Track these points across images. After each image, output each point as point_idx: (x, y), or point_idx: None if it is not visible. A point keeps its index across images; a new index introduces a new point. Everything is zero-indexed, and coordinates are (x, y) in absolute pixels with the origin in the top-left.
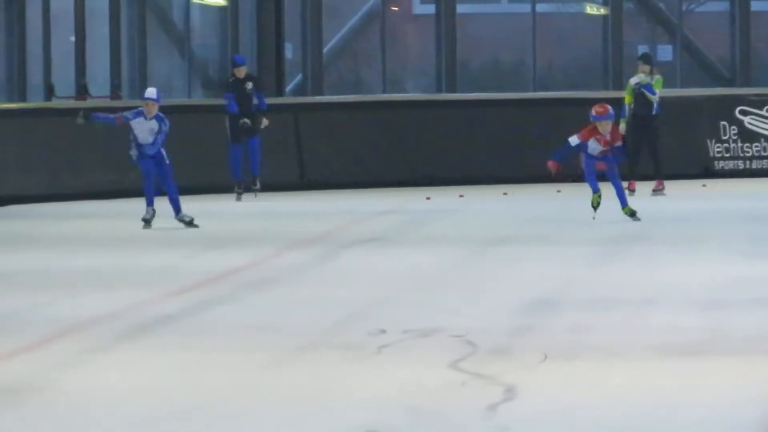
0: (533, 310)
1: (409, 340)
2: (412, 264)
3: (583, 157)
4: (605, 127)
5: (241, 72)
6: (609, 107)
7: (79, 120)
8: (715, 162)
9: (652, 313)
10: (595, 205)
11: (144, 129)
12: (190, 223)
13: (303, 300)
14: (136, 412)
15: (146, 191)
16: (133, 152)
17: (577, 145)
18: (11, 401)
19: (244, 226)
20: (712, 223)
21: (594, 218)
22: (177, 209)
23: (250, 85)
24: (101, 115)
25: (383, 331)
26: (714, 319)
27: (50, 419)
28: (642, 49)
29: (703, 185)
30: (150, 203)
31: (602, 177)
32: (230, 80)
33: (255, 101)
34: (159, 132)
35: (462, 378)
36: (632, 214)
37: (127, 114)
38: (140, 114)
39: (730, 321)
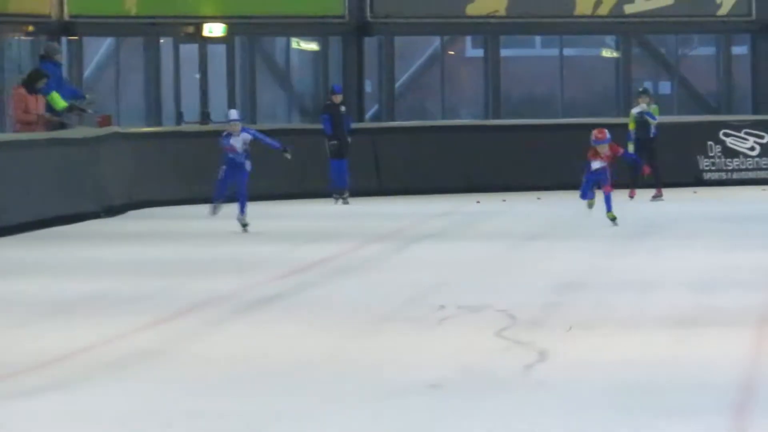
0: (561, 291)
1: (462, 314)
2: (466, 254)
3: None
4: (603, 149)
5: (338, 98)
6: (606, 132)
7: (214, 211)
8: (704, 173)
9: (655, 293)
10: (590, 207)
11: (239, 143)
12: (244, 226)
13: (379, 283)
14: (246, 372)
15: (219, 188)
16: (223, 167)
17: (590, 167)
18: (147, 364)
19: (334, 224)
20: (702, 222)
21: (588, 215)
22: (242, 210)
23: (343, 108)
24: (221, 180)
25: (442, 307)
26: (704, 298)
27: (178, 378)
28: (646, 84)
29: (694, 192)
30: (216, 198)
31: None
32: (327, 103)
33: (346, 122)
34: (249, 139)
35: (505, 344)
36: (613, 219)
37: (223, 142)
38: (229, 135)
39: (716, 300)
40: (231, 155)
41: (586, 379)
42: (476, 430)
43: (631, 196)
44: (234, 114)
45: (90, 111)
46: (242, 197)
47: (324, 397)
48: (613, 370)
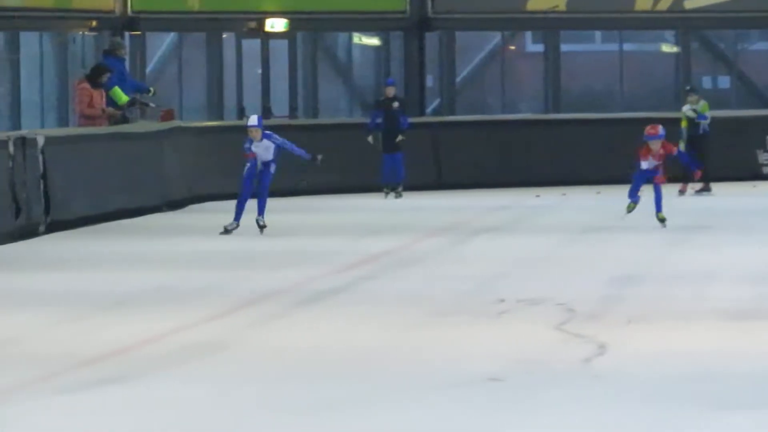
0: (619, 284)
1: (522, 308)
2: (525, 248)
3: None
4: (655, 145)
5: (390, 91)
6: (660, 128)
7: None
8: (763, 168)
9: (712, 285)
10: (629, 211)
11: (261, 149)
12: (262, 228)
13: (439, 275)
14: (307, 364)
15: (238, 205)
16: (246, 170)
17: (639, 166)
18: (208, 356)
19: (393, 218)
20: (760, 216)
21: (623, 218)
22: (261, 212)
23: (396, 104)
24: (246, 179)
25: (502, 300)
26: (763, 290)
27: (238, 370)
28: (704, 80)
29: (753, 186)
30: (237, 217)
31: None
32: (380, 99)
33: (401, 118)
34: (274, 147)
35: (564, 337)
36: (662, 220)
37: (244, 147)
38: (251, 141)
39: None
40: (256, 161)
41: (645, 372)
42: (534, 424)
43: (682, 191)
44: (253, 120)
45: (152, 105)
46: (262, 199)
47: (382, 389)
48: (672, 362)
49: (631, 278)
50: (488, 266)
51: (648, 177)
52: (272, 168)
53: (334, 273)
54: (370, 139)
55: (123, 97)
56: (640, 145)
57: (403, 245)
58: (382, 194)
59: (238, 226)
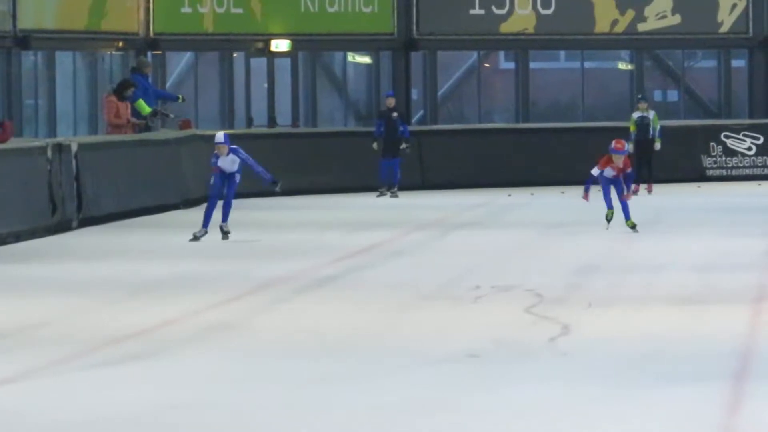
0: (582, 272)
1: (495, 293)
2: (498, 240)
3: (600, 181)
4: (618, 160)
5: (390, 102)
6: (625, 143)
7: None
8: (707, 171)
9: (664, 274)
10: (609, 219)
11: (227, 163)
12: (225, 234)
13: (423, 265)
14: (306, 342)
15: (207, 211)
16: (213, 181)
17: (600, 173)
18: (220, 336)
19: (383, 214)
20: (706, 212)
21: (607, 228)
22: (225, 218)
23: (395, 114)
24: (213, 186)
25: (478, 287)
26: (707, 278)
27: (246, 348)
28: (655, 93)
29: (698, 186)
30: (206, 224)
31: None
32: (382, 109)
33: (400, 129)
34: (238, 161)
35: (532, 319)
36: (633, 226)
37: (211, 161)
38: (217, 156)
39: (718, 280)
40: (222, 172)
41: (604, 350)
42: (507, 395)
43: (649, 192)
44: (219, 137)
45: (172, 116)
46: (227, 206)
47: (374, 364)
48: (627, 342)
49: (592, 268)
50: (466, 257)
51: (613, 184)
52: (237, 178)
53: (332, 263)
54: (374, 145)
55: (146, 109)
56: (603, 155)
57: (393, 238)
58: (375, 193)
59: (206, 232)
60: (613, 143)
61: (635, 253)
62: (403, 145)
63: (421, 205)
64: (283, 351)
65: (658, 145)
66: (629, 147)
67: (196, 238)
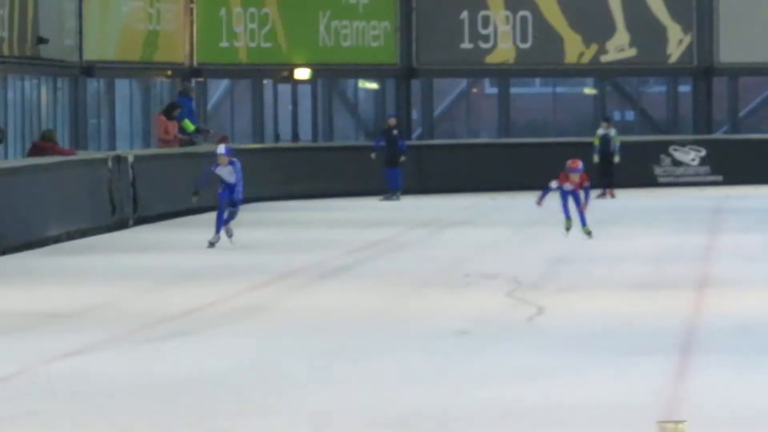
0: (554, 263)
1: (481, 280)
2: (484, 236)
3: (559, 193)
4: (574, 178)
5: (392, 122)
6: (580, 163)
7: (194, 199)
8: (658, 178)
9: (622, 264)
10: (567, 228)
11: (225, 173)
12: (230, 237)
13: (421, 257)
14: (322, 322)
15: (218, 220)
16: (204, 175)
17: (559, 187)
18: (252, 316)
19: (387, 214)
20: (657, 213)
21: (566, 236)
22: (229, 218)
23: (396, 131)
24: (203, 179)
25: (467, 275)
26: (658, 268)
27: (273, 326)
28: (615, 114)
29: (651, 191)
30: (218, 231)
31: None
32: (385, 127)
33: (399, 143)
34: (235, 172)
35: (513, 302)
36: (588, 233)
37: (211, 167)
38: (217, 165)
39: (667, 269)
40: (226, 181)
41: (572, 328)
42: (492, 365)
43: (611, 196)
44: (221, 149)
45: (212, 132)
46: (232, 215)
47: (378, 340)
48: (592, 320)
49: (562, 259)
50: (457, 250)
51: (571, 195)
52: (240, 187)
53: (344, 255)
54: (372, 155)
55: (191, 126)
56: (561, 171)
57: (395, 235)
58: (381, 197)
59: (219, 238)
60: (569, 162)
61: (599, 246)
62: (402, 158)
63: (420, 206)
64: (303, 329)
65: (617, 159)
66: (594, 158)
67: (211, 244)
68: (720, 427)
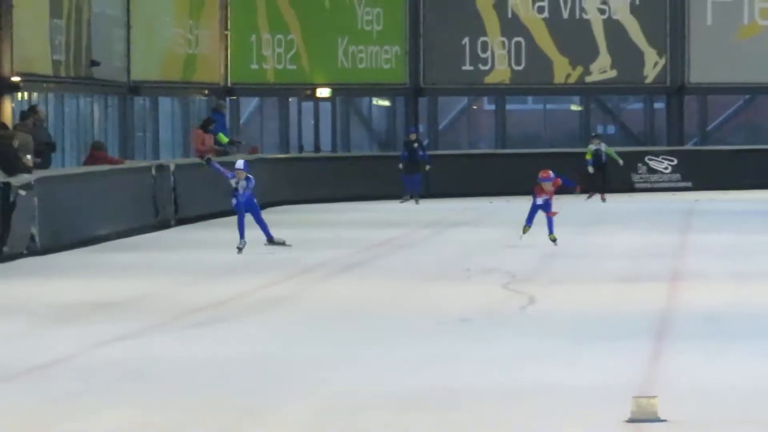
0: (545, 258)
1: (481, 274)
2: (483, 235)
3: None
4: (547, 186)
5: (412, 136)
6: (550, 172)
7: (204, 162)
8: (635, 184)
9: (605, 259)
10: (524, 232)
11: (240, 185)
12: (282, 244)
13: (427, 253)
14: (340, 311)
15: (240, 227)
16: (233, 201)
17: (535, 200)
18: (279, 305)
19: (397, 216)
20: (635, 214)
21: (521, 238)
22: (268, 236)
23: (416, 144)
24: (220, 168)
25: (469, 269)
26: (636, 263)
27: (298, 315)
28: (598, 128)
29: (630, 196)
30: (242, 236)
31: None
32: (406, 140)
33: (420, 154)
34: (248, 187)
35: (509, 293)
36: (554, 240)
37: (229, 175)
38: (233, 175)
39: (644, 264)
40: (237, 192)
41: (561, 316)
42: (490, 349)
43: (603, 200)
44: (240, 164)
45: (243, 143)
46: (263, 225)
47: (391, 327)
48: (578, 309)
49: (553, 255)
50: (460, 247)
51: (541, 207)
52: (253, 200)
53: (359, 252)
54: (400, 166)
55: (224, 139)
56: (536, 184)
57: (404, 234)
58: (398, 201)
59: (246, 243)
60: (540, 173)
61: (585, 244)
62: (427, 167)
63: (426, 209)
64: (324, 317)
65: (621, 162)
66: (590, 169)
67: (239, 250)
68: (688, 402)
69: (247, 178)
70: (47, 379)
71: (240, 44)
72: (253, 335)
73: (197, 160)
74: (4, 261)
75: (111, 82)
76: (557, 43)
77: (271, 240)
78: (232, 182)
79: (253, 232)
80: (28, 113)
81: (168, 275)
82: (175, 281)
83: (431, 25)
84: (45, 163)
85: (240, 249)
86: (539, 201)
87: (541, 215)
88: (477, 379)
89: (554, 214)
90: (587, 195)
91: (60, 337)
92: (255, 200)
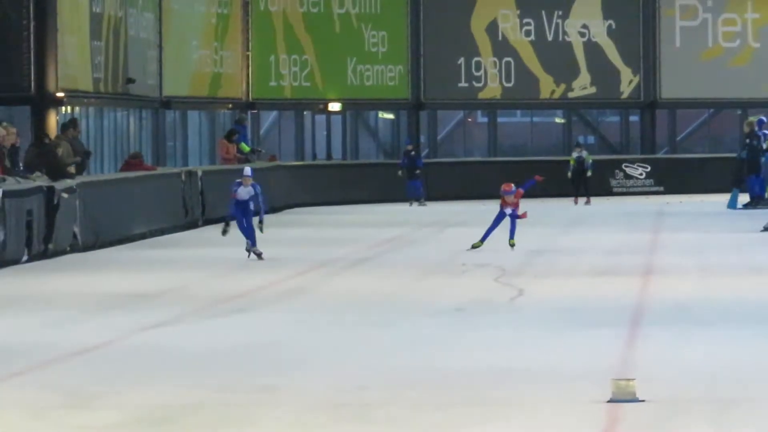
0: (531, 255)
1: (475, 269)
2: (478, 234)
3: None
4: (510, 198)
5: (409, 147)
6: (512, 185)
7: (224, 233)
8: (613, 189)
9: (584, 256)
10: (476, 246)
11: (244, 193)
12: (259, 256)
13: (427, 250)
14: (350, 301)
15: (241, 232)
16: (231, 208)
17: (502, 211)
18: (295, 296)
19: (401, 217)
20: (612, 215)
21: (468, 250)
22: (252, 242)
23: (413, 153)
24: (230, 213)
25: (464, 264)
26: (612, 259)
27: (313, 304)
28: (579, 138)
29: (608, 199)
30: (247, 238)
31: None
32: (404, 150)
33: (417, 162)
34: (254, 194)
35: (499, 285)
36: (512, 245)
37: (233, 187)
38: (240, 184)
39: (619, 259)
40: (238, 199)
41: (545, 306)
42: (483, 335)
43: (586, 203)
44: (247, 171)
45: (263, 151)
46: (250, 231)
47: (395, 315)
48: (561, 300)
49: (538, 251)
50: (456, 245)
51: (510, 216)
52: (251, 206)
53: (367, 248)
54: (399, 173)
55: (246, 148)
56: (501, 197)
57: (407, 233)
58: (403, 204)
59: (251, 243)
60: (503, 187)
61: (566, 242)
62: (418, 171)
63: (427, 211)
64: (335, 306)
65: (590, 173)
66: (568, 174)
67: (247, 251)
68: (662, 383)
69: (253, 185)
70: (91, 360)
71: (260, 64)
72: (273, 322)
73: (222, 166)
74: (49, 257)
75: (145, 98)
76: (542, 62)
77: (252, 246)
78: (233, 192)
79: (268, 234)
80: (69, 125)
81: (196, 269)
82: (202, 275)
83: (430, 47)
84: (82, 170)
85: (248, 250)
86: (507, 211)
87: (506, 222)
88: (470, 361)
89: (525, 215)
90: (574, 200)
91: (101, 324)
92: (252, 209)
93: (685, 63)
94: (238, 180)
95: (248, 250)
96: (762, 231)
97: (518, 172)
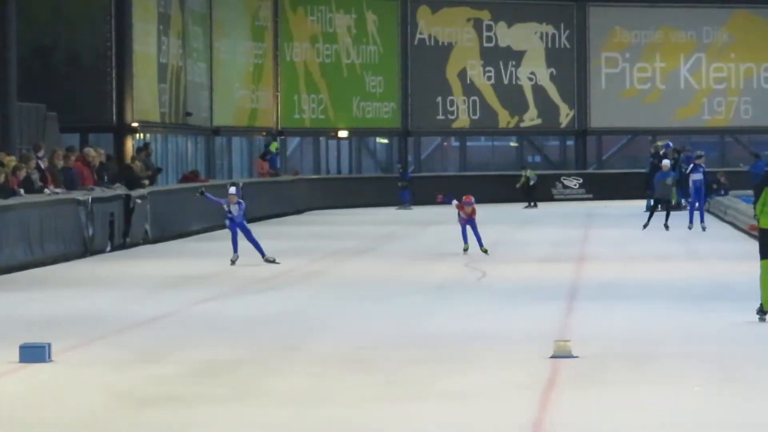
0: (493, 245)
1: (450, 256)
2: (453, 231)
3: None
4: (468, 209)
5: (399, 166)
6: (472, 198)
7: (197, 194)
8: (554, 196)
9: (534, 246)
10: (465, 250)
11: (234, 209)
12: (272, 262)
13: (417, 242)
14: (357, 282)
15: (233, 243)
16: (226, 221)
17: (459, 216)
18: (311, 279)
19: (396, 217)
20: (554, 216)
21: (464, 254)
22: (261, 253)
23: (401, 170)
24: (213, 198)
25: (442, 253)
26: (555, 249)
27: (323, 286)
28: (529, 159)
29: (551, 204)
30: (235, 251)
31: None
32: (397, 167)
33: (405, 176)
34: (240, 210)
35: (469, 269)
36: (485, 251)
37: (222, 201)
38: (227, 202)
39: (560, 250)
40: (229, 215)
41: (506, 285)
42: (457, 306)
43: (534, 206)
44: (232, 190)
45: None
46: (256, 245)
47: (390, 291)
48: (517, 280)
49: (500, 242)
50: (438, 238)
51: (467, 222)
52: (245, 222)
53: (368, 241)
54: (400, 185)
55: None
56: (459, 205)
57: (398, 229)
58: (394, 209)
59: (238, 257)
60: (464, 198)
61: (521, 236)
62: (405, 183)
63: (413, 213)
64: (346, 287)
65: (533, 183)
66: (517, 185)
67: (232, 262)
68: (592, 343)
69: (239, 203)
70: (157, 326)
71: (287, 101)
72: (297, 297)
73: (258, 179)
74: (127, 248)
75: (199, 127)
76: (500, 100)
77: (264, 257)
78: (225, 206)
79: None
80: (143, 148)
81: (226, 258)
82: (241, 262)
83: (416, 88)
84: (153, 182)
85: (233, 261)
86: (462, 214)
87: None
88: (448, 327)
89: (440, 199)
90: (525, 205)
91: (164, 299)
92: (245, 222)
93: (609, 100)
94: (225, 199)
95: (233, 261)
96: (642, 229)
97: (483, 183)
